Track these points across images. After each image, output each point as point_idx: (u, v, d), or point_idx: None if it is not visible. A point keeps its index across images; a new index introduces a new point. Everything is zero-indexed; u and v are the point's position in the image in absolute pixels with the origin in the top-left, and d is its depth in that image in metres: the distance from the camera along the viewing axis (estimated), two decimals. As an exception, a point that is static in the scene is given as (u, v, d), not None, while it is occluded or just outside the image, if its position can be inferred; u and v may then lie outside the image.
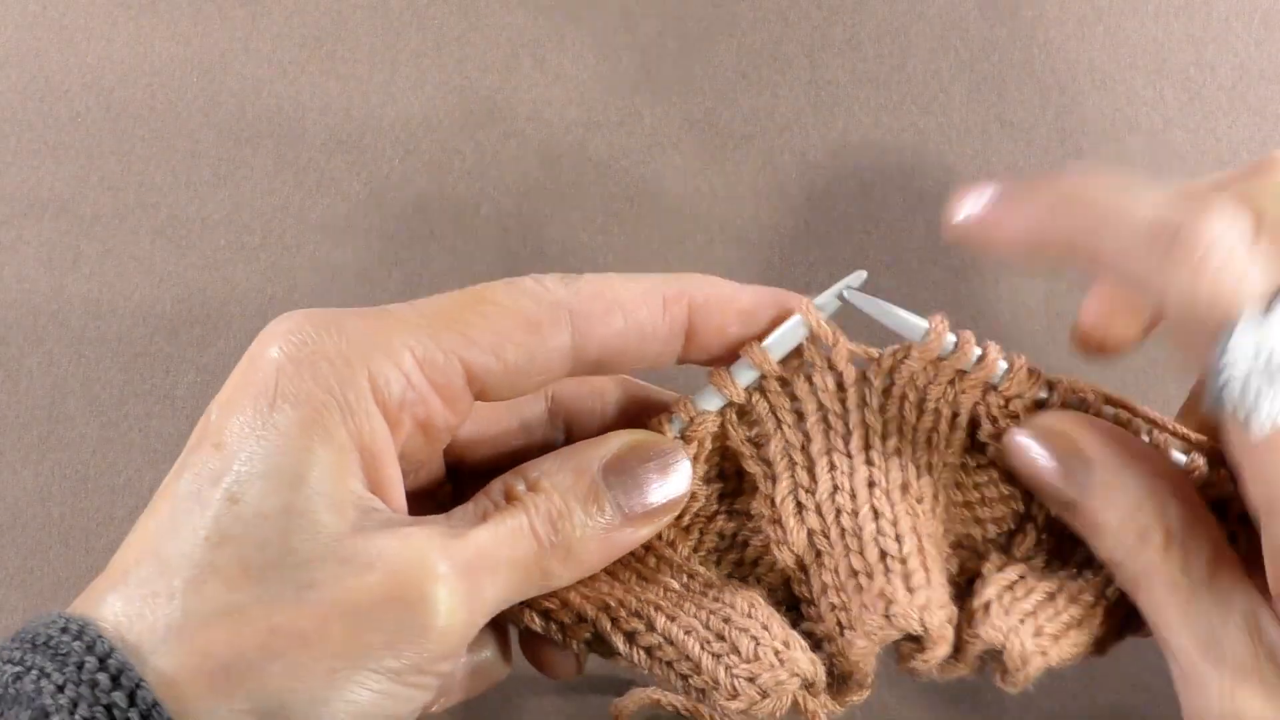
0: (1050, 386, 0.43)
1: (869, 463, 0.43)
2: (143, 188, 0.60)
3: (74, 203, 0.59)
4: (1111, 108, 0.61)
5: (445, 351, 0.38)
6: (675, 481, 0.41)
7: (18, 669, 0.33)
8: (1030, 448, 0.41)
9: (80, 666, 0.33)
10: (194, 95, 0.61)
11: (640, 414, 0.44)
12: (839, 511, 0.42)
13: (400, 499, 0.39)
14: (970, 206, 0.40)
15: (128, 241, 0.59)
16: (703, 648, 0.40)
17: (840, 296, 0.42)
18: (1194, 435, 0.43)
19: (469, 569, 0.37)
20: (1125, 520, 0.39)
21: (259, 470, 0.35)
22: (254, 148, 0.61)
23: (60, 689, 0.32)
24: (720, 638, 0.40)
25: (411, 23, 0.63)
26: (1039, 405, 0.43)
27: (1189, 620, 0.37)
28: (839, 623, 0.41)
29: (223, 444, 0.36)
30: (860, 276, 0.43)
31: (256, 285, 0.58)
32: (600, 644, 0.41)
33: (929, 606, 0.40)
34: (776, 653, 0.39)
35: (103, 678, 0.33)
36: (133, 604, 0.34)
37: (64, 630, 0.34)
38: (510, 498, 0.39)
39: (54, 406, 0.56)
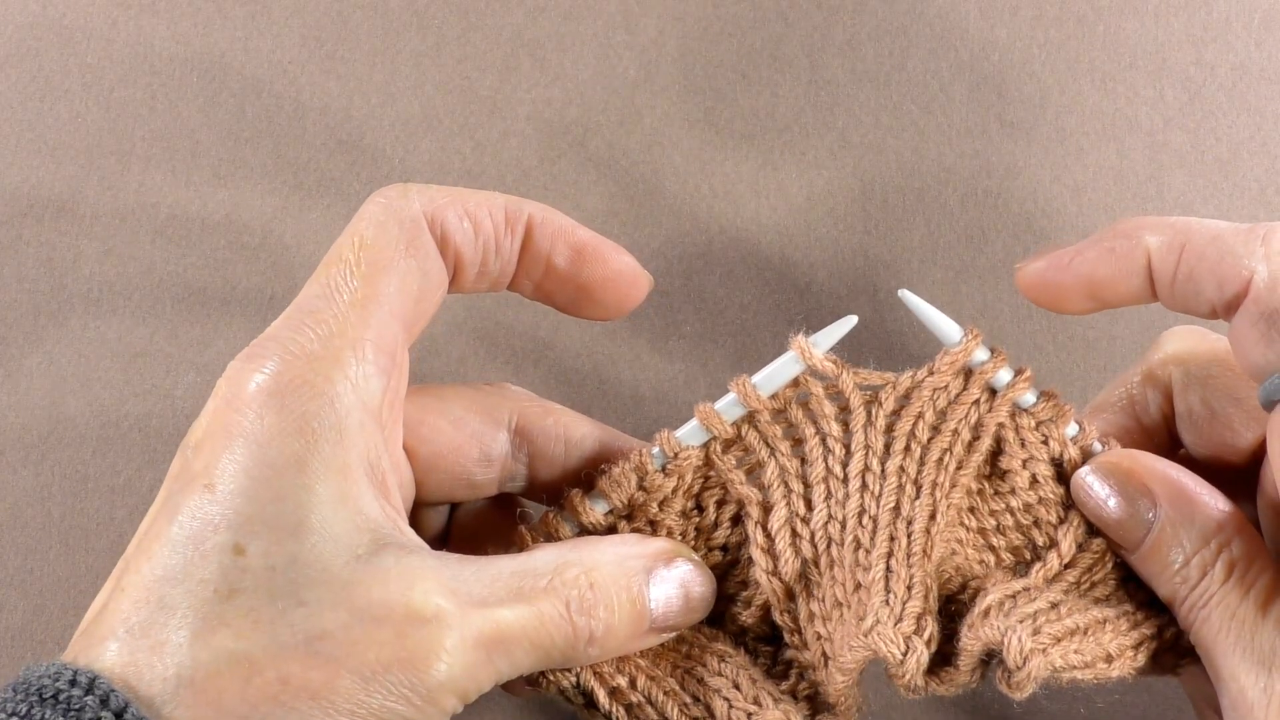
0: (1079, 424, 0.43)
1: (864, 488, 0.43)
2: (143, 188, 0.60)
3: (74, 203, 0.59)
4: (1111, 108, 0.61)
5: (387, 319, 0.38)
6: (702, 596, 0.42)
7: None
8: (1095, 485, 0.42)
9: None
10: (194, 95, 0.61)
11: (605, 453, 0.44)
12: (830, 542, 0.43)
13: (397, 506, 0.39)
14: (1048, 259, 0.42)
15: (128, 241, 0.59)
16: (681, 712, 0.40)
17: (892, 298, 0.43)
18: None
19: (484, 642, 0.36)
20: (1191, 556, 0.39)
21: (261, 517, 0.35)
22: (254, 148, 0.61)
23: None
24: (696, 699, 0.41)
25: (411, 23, 0.63)
26: (1074, 440, 0.43)
27: (1246, 644, 0.38)
28: (824, 653, 0.42)
29: (214, 486, 0.35)
30: (851, 321, 0.43)
31: (256, 285, 0.58)
32: (578, 693, 0.41)
33: (880, 624, 0.40)
34: (749, 715, 0.40)
35: None
36: (138, 653, 0.34)
37: (72, 683, 0.33)
38: (559, 580, 0.38)
39: (54, 406, 0.56)
